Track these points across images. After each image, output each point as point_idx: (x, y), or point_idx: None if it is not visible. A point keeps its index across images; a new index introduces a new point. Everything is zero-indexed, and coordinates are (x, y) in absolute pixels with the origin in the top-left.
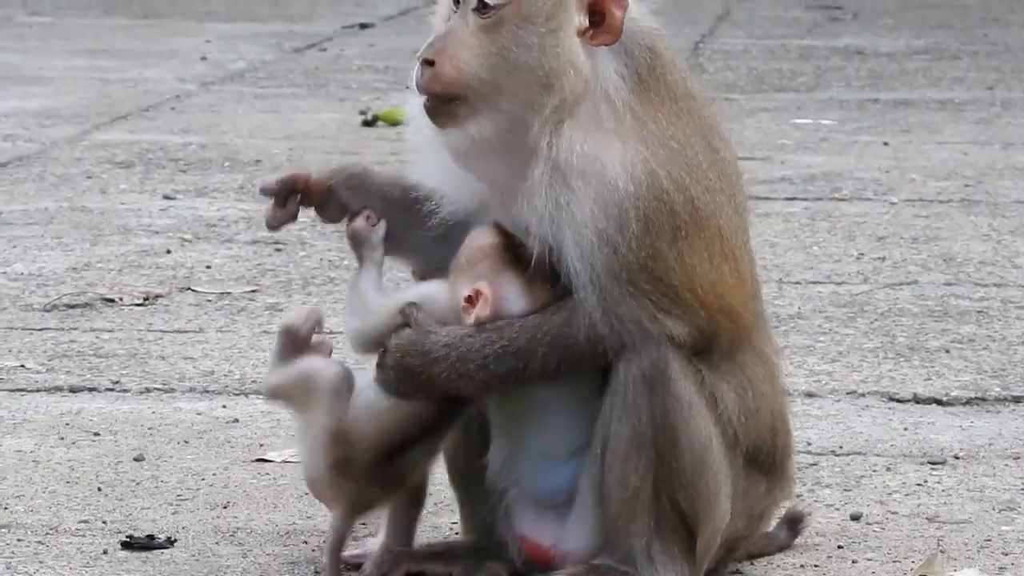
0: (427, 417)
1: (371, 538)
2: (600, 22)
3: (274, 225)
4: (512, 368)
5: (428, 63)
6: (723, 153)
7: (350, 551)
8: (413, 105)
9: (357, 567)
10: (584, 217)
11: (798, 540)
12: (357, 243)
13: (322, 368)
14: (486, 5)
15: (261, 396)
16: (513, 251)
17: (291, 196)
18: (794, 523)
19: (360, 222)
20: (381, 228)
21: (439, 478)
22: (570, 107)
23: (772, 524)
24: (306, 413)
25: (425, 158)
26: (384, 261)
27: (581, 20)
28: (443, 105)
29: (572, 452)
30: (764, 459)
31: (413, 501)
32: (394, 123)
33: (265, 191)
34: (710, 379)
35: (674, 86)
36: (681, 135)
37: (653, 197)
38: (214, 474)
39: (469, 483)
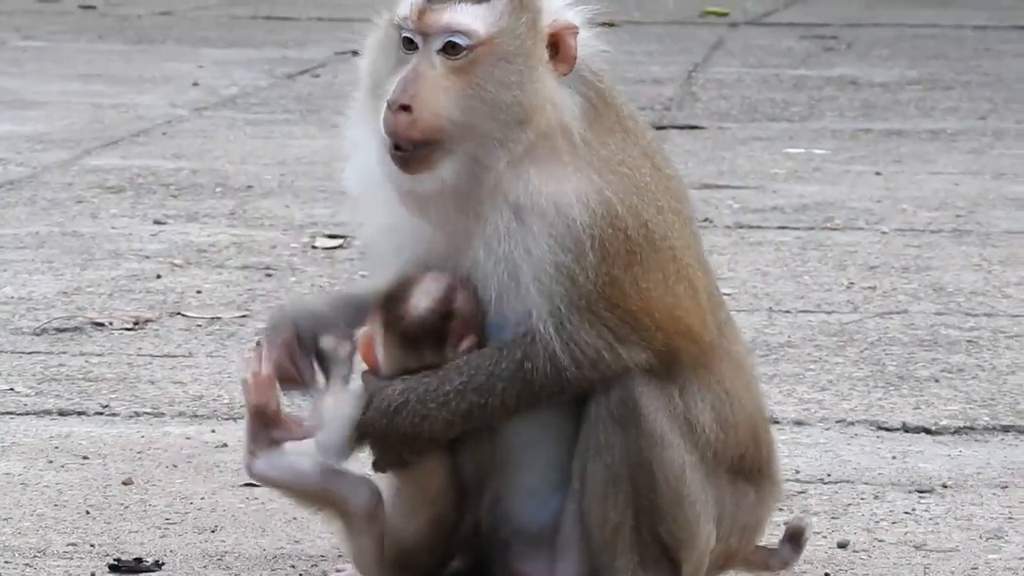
0: (444, 485)
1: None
2: (556, 52)
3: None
4: (473, 404)
5: (404, 108)
6: (667, 171)
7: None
8: (363, 150)
9: None
10: (542, 253)
11: (783, 572)
12: (325, 363)
13: (352, 494)
14: (455, 46)
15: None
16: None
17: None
18: (796, 537)
19: (329, 342)
20: (347, 346)
21: None
22: (532, 144)
23: (767, 536)
24: (341, 527)
25: (369, 202)
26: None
27: (545, 53)
28: (418, 151)
29: (556, 486)
30: (749, 467)
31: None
32: None
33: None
34: (683, 400)
35: (619, 109)
36: (629, 159)
37: (608, 224)
38: (202, 498)
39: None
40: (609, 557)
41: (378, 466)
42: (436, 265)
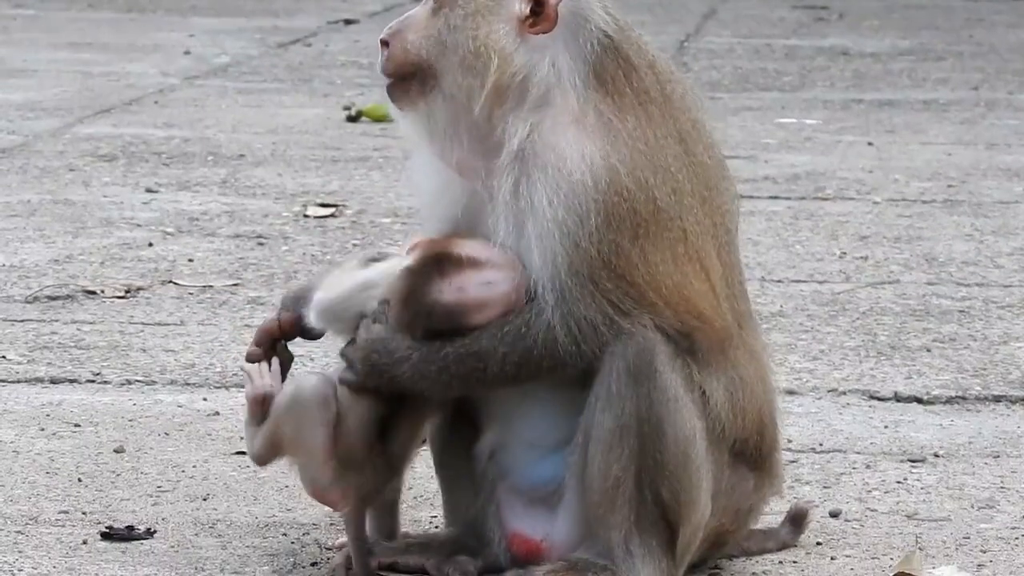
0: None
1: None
2: (541, 11)
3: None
4: (472, 369)
5: (384, 44)
6: (702, 158)
7: (340, 540)
8: (396, 112)
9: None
10: (543, 207)
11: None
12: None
13: (301, 386)
14: None
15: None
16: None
17: (275, 344)
18: (798, 520)
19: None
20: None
21: (419, 472)
22: (526, 97)
23: (760, 521)
24: (300, 432)
25: (415, 168)
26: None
27: (521, 8)
28: (399, 83)
29: (561, 443)
30: (751, 454)
31: (389, 494)
32: (378, 119)
33: (253, 358)
34: (699, 374)
35: (644, 91)
36: (652, 138)
37: (613, 192)
38: (194, 466)
39: (455, 475)
40: (606, 511)
41: (348, 378)
42: (469, 226)
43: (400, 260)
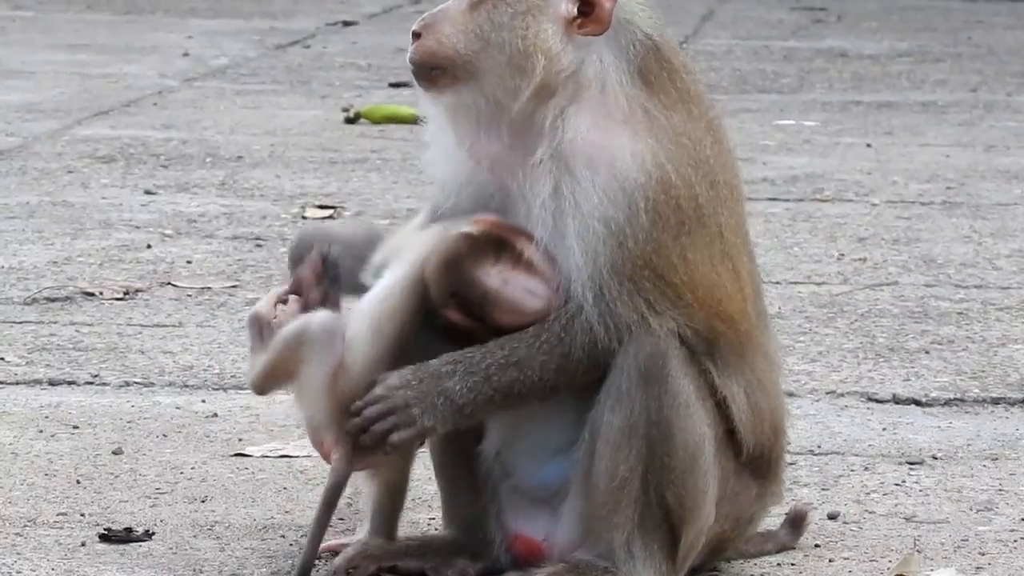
0: (411, 344)
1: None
2: (590, 12)
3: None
4: (514, 380)
5: (416, 35)
6: (726, 145)
7: (332, 541)
8: (422, 95)
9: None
10: (591, 207)
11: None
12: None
13: (310, 320)
14: None
15: (245, 390)
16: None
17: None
18: (797, 522)
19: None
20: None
21: (418, 474)
22: (571, 95)
23: (761, 527)
24: (304, 367)
25: (436, 147)
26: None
27: (569, 8)
28: (426, 72)
29: (567, 445)
30: (761, 460)
31: (393, 494)
32: (376, 121)
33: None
34: (720, 379)
35: (686, 90)
36: (691, 132)
37: (662, 190)
38: (192, 468)
39: (454, 476)
40: (610, 511)
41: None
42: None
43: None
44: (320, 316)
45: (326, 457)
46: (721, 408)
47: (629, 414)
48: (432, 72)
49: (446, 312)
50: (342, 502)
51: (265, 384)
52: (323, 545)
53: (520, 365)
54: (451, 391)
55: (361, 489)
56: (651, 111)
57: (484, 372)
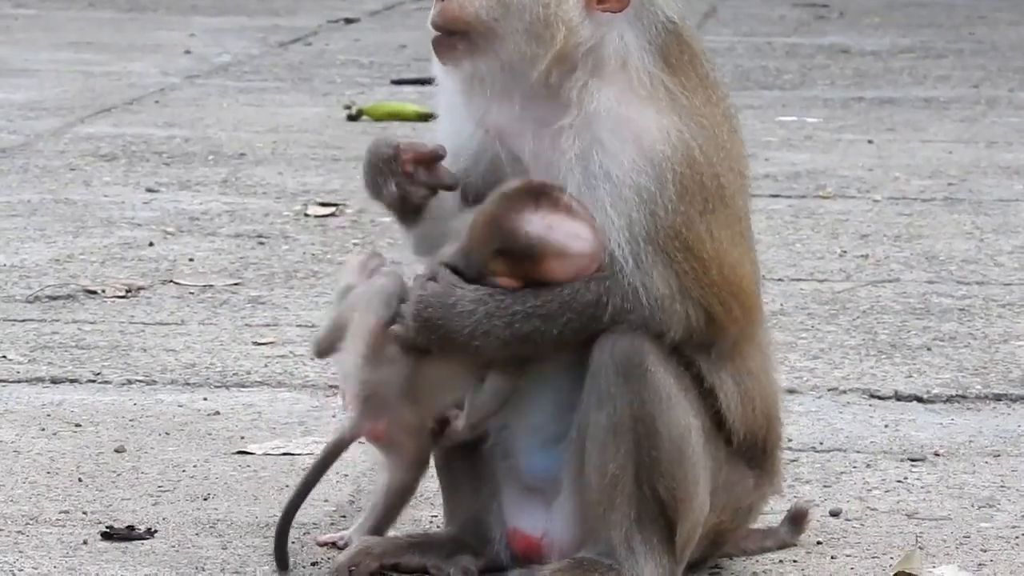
0: None
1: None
2: None
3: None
4: (535, 330)
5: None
6: (741, 136)
7: (327, 535)
8: (437, 66)
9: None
10: (622, 174)
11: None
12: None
13: (375, 280)
14: None
15: (247, 388)
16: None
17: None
18: (798, 519)
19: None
20: None
21: None
22: (592, 69)
23: (760, 520)
24: (357, 315)
25: (446, 119)
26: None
27: None
28: (446, 38)
29: (563, 432)
30: (755, 451)
31: (398, 498)
32: (379, 118)
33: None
34: (708, 368)
35: (705, 76)
36: (712, 117)
37: (687, 165)
38: (195, 466)
39: (456, 473)
40: (606, 509)
41: (401, 337)
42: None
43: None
44: (382, 277)
45: (346, 404)
46: (708, 398)
47: (613, 411)
48: (452, 38)
49: (494, 274)
50: (345, 498)
51: (324, 342)
52: (322, 538)
53: (547, 318)
54: (456, 332)
55: (364, 487)
56: (673, 91)
57: (509, 318)
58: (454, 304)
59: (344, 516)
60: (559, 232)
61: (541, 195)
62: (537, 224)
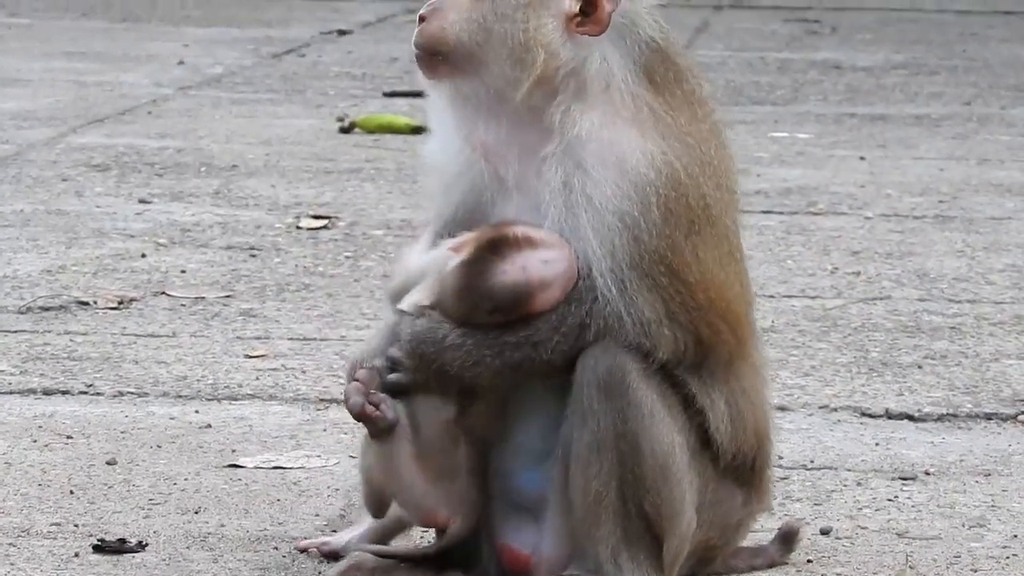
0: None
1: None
2: (591, 12)
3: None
4: (526, 357)
5: (422, 18)
6: (729, 151)
7: (316, 539)
8: (424, 80)
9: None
10: (604, 200)
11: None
12: None
13: (367, 434)
14: None
15: (238, 401)
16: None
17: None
18: (788, 538)
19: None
20: None
21: None
22: (575, 92)
23: (750, 539)
24: (386, 471)
25: (437, 135)
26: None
27: (571, 6)
28: (428, 58)
29: (550, 452)
30: (744, 469)
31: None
32: (371, 130)
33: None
34: (699, 388)
35: (691, 92)
36: (698, 134)
37: (672, 187)
38: (186, 479)
39: None
40: (592, 526)
41: (400, 378)
42: (488, 210)
43: (444, 254)
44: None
45: (441, 525)
46: (697, 415)
47: (596, 429)
48: (434, 58)
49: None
50: (336, 512)
51: (376, 505)
52: (303, 543)
53: (538, 346)
54: (450, 365)
55: (355, 501)
56: (657, 110)
57: (498, 347)
58: (444, 338)
59: (335, 531)
60: (533, 268)
61: (498, 244)
62: (512, 271)
